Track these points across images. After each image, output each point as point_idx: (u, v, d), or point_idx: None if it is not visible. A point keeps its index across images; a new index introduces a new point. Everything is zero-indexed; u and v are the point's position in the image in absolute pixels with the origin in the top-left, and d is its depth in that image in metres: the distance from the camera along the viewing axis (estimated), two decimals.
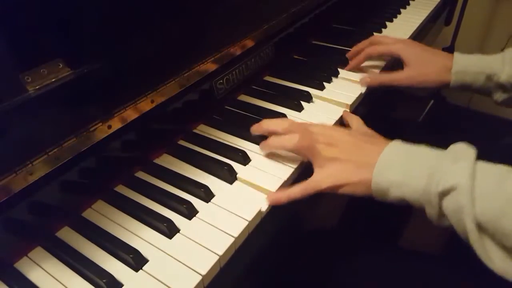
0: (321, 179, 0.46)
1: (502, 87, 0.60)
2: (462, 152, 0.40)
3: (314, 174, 0.47)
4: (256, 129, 0.53)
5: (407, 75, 0.66)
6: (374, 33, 0.85)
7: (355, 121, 0.56)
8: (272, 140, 0.51)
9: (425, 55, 0.66)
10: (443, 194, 0.38)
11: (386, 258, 0.55)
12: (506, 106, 0.63)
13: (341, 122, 0.60)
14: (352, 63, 0.72)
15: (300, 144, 0.48)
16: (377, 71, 0.72)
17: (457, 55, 0.63)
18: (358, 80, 0.68)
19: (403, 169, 0.42)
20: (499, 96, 0.62)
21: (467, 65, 0.62)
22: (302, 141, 0.48)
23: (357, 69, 0.72)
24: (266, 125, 0.52)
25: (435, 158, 0.41)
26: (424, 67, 0.65)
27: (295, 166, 0.50)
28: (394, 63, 0.73)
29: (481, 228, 0.36)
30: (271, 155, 0.52)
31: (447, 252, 0.65)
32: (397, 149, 0.45)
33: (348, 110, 0.62)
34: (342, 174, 0.45)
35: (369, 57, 0.71)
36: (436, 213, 0.39)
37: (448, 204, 0.38)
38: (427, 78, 0.65)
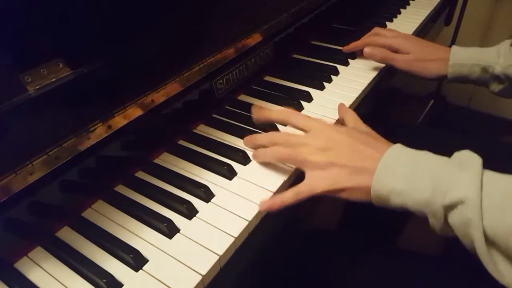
0: (315, 183, 0.44)
1: (497, 78, 0.62)
2: (468, 162, 0.38)
3: (306, 178, 0.45)
4: (246, 144, 0.53)
5: (407, 59, 0.68)
6: None
7: (351, 118, 0.53)
8: (257, 154, 0.51)
9: (424, 48, 0.69)
10: (450, 207, 0.36)
11: (385, 258, 0.55)
12: (503, 96, 0.65)
13: (341, 122, 0.60)
14: (351, 45, 0.75)
15: (283, 155, 0.47)
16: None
17: (454, 48, 0.66)
18: (359, 80, 0.68)
19: (406, 177, 0.40)
20: (495, 87, 0.64)
21: (463, 58, 0.64)
22: (284, 152, 0.47)
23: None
24: (255, 139, 0.52)
25: (440, 167, 0.39)
26: (423, 58, 0.68)
27: (295, 166, 0.50)
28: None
29: (489, 241, 0.35)
30: None
31: (446, 253, 0.65)
32: (399, 154, 0.42)
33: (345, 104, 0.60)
34: (338, 179, 0.43)
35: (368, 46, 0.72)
36: (440, 225, 0.38)
37: (455, 217, 0.36)
38: (425, 68, 0.67)
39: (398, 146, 0.44)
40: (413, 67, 0.68)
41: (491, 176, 0.37)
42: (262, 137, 0.52)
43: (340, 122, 0.57)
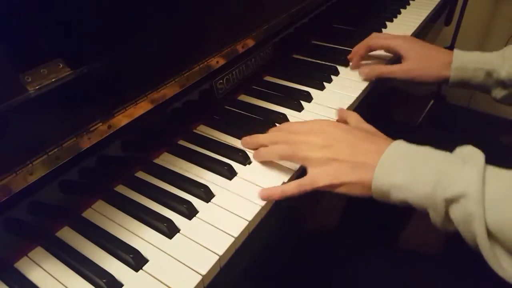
0: (317, 176, 0.45)
1: (502, 83, 0.60)
2: (471, 156, 0.38)
3: (308, 174, 0.46)
4: (245, 144, 0.54)
5: (406, 68, 0.66)
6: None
7: (353, 117, 0.53)
8: (258, 154, 0.51)
9: (424, 50, 0.66)
10: (451, 201, 0.36)
11: (386, 258, 0.55)
12: (505, 104, 0.63)
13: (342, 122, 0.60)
14: (353, 52, 0.72)
15: (284, 153, 0.47)
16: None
17: (457, 51, 0.64)
18: (359, 80, 0.68)
19: (407, 171, 0.40)
20: (498, 92, 0.62)
21: (467, 61, 0.62)
22: (285, 150, 0.47)
23: (358, 66, 0.72)
24: (256, 139, 0.52)
25: (442, 161, 0.39)
26: (424, 61, 0.65)
27: (296, 166, 0.50)
28: (394, 63, 0.73)
29: (491, 235, 0.34)
30: None
31: (446, 253, 0.65)
32: (400, 149, 0.43)
33: (344, 108, 0.60)
34: (339, 174, 0.44)
35: (368, 49, 0.71)
36: (441, 219, 0.38)
37: (456, 211, 0.36)
38: (426, 73, 0.65)
39: (400, 141, 0.44)
40: (413, 74, 0.66)
41: (494, 171, 0.36)
42: (263, 137, 0.52)
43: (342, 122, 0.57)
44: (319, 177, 0.45)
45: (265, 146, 0.50)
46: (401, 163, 0.41)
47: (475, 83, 0.62)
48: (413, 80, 0.66)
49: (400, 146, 0.43)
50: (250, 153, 0.52)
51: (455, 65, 0.62)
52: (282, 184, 0.48)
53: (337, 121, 0.57)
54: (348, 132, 0.47)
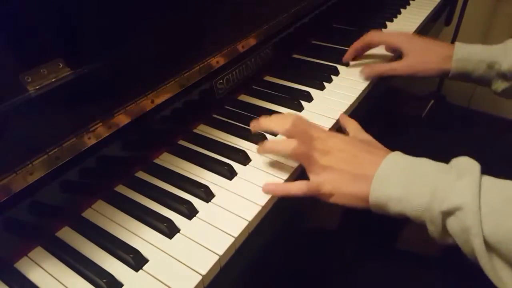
0: (320, 183, 0.45)
1: (503, 76, 0.60)
2: (466, 168, 0.37)
3: (312, 178, 0.46)
4: (254, 126, 0.52)
5: (407, 64, 0.66)
6: None
7: (352, 126, 0.54)
8: (268, 144, 0.50)
9: (424, 45, 0.67)
10: (448, 213, 0.36)
11: (385, 259, 0.55)
12: (505, 97, 0.63)
13: (343, 131, 0.60)
14: (350, 50, 0.72)
15: (298, 151, 0.46)
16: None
17: (458, 44, 0.64)
18: (359, 80, 0.68)
19: (404, 184, 0.40)
20: (498, 85, 0.61)
21: (468, 53, 0.62)
22: (299, 148, 0.46)
23: (350, 58, 0.73)
24: (266, 124, 0.51)
25: (438, 173, 0.39)
26: (424, 55, 0.66)
27: (295, 166, 0.50)
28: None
29: (490, 247, 0.34)
30: (272, 155, 0.52)
31: (446, 254, 0.65)
32: (397, 161, 0.42)
33: (344, 112, 0.60)
34: (336, 184, 0.44)
35: (366, 45, 0.71)
36: (439, 232, 0.38)
37: (453, 224, 0.36)
38: (427, 66, 0.65)
39: (397, 153, 0.44)
40: (414, 69, 0.66)
41: (490, 182, 0.36)
42: (275, 123, 0.50)
43: (342, 131, 0.57)
44: (322, 183, 0.45)
45: (274, 133, 0.49)
46: (397, 176, 0.40)
47: (476, 75, 0.62)
48: (414, 75, 0.66)
49: (397, 158, 0.43)
50: (250, 153, 0.52)
51: (457, 57, 0.63)
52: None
53: (335, 124, 0.57)
54: (346, 143, 0.47)
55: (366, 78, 0.68)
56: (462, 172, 0.37)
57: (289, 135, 0.48)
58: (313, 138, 0.47)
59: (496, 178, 0.36)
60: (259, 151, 0.52)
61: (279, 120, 0.50)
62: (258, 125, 0.51)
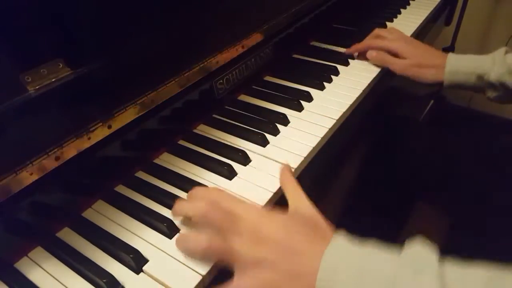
0: (246, 284, 0.35)
1: (492, 85, 0.63)
2: (422, 261, 0.32)
3: (236, 278, 0.36)
4: (172, 212, 0.44)
5: (404, 64, 0.70)
6: None
7: (291, 194, 0.43)
8: (179, 244, 0.40)
9: (422, 54, 0.71)
10: None
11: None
12: (499, 102, 0.66)
13: (341, 123, 0.60)
14: (353, 48, 0.76)
15: (213, 246, 0.37)
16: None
17: (450, 55, 0.68)
18: (359, 80, 0.68)
19: (353, 280, 0.32)
20: (490, 93, 0.66)
21: (459, 65, 0.66)
22: (214, 241, 0.37)
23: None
24: (179, 208, 0.43)
25: (391, 268, 0.33)
26: (420, 65, 0.70)
27: (295, 166, 0.50)
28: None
29: None
30: (272, 155, 0.52)
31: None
32: (342, 251, 0.35)
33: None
34: (272, 285, 0.35)
35: (369, 49, 0.74)
36: None
37: None
38: (422, 75, 0.70)
39: (340, 239, 0.36)
40: (409, 72, 0.70)
41: (452, 275, 0.31)
42: (188, 208, 0.41)
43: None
44: (248, 284, 0.36)
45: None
46: (344, 269, 0.33)
47: (468, 85, 0.66)
48: (408, 77, 0.70)
49: (341, 246, 0.35)
50: (250, 153, 0.52)
51: (448, 70, 0.67)
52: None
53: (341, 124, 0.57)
54: (283, 228, 0.37)
55: (371, 60, 0.73)
56: (419, 268, 0.32)
57: (205, 221, 0.39)
58: (240, 220, 0.38)
59: (457, 266, 0.32)
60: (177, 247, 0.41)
61: (194, 201, 0.41)
62: (174, 211, 0.44)
